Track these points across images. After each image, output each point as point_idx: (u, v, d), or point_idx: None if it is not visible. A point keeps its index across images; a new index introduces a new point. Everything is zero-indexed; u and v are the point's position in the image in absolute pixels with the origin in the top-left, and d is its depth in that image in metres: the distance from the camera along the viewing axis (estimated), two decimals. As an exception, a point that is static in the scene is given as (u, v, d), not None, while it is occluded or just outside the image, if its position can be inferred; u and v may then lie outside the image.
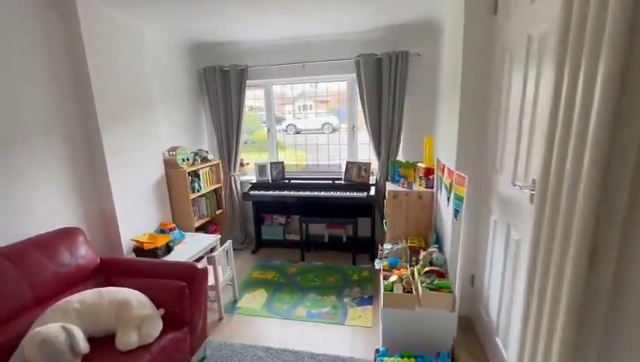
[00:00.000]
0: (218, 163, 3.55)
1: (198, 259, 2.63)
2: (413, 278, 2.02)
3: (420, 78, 3.14)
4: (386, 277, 2.03)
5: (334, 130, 4.18)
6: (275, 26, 2.87)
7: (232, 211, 3.74)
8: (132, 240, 2.42)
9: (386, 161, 3.23)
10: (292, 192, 3.37)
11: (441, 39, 2.76)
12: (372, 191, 3.22)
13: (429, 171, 2.62)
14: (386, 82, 3.08)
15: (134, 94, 2.56)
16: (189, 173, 3.03)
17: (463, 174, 1.67)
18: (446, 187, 2.05)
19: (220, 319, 2.45)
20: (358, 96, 3.27)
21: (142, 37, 2.63)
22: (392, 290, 1.88)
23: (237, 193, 3.71)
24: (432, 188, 2.60)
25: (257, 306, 2.61)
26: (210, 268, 2.37)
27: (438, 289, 1.84)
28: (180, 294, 1.78)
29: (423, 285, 1.88)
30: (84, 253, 1.94)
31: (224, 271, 2.55)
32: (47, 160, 2.02)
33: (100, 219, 2.39)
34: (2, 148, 1.78)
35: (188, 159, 3.11)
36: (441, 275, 1.98)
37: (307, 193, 3.32)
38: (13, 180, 1.83)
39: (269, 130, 3.84)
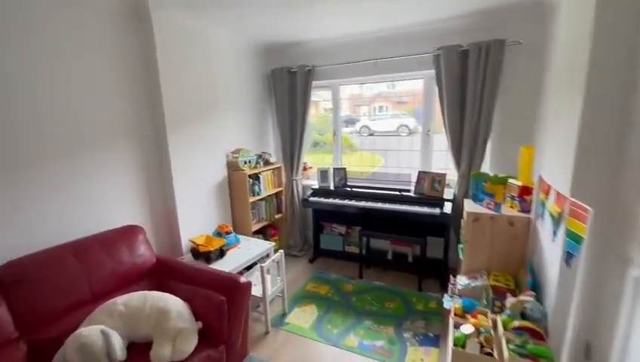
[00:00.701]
0: (280, 166, 3.48)
1: (250, 266, 2.56)
2: (496, 331, 1.55)
3: (517, 72, 2.52)
4: (457, 325, 1.60)
5: (411, 132, 3.77)
6: (345, 21, 2.65)
7: (292, 216, 3.64)
8: (190, 240, 2.47)
9: (467, 173, 2.70)
10: (353, 202, 3.09)
11: (552, 20, 2.15)
12: (447, 208, 2.72)
13: (525, 191, 2.05)
14: (472, 78, 2.56)
15: (201, 97, 2.61)
16: (249, 175, 3.01)
17: (583, 205, 1.17)
18: (552, 217, 1.52)
19: (266, 333, 2.32)
20: (437, 95, 2.81)
21: (211, 41, 2.67)
22: (464, 346, 1.46)
23: (298, 198, 3.59)
24: (529, 213, 2.02)
25: (306, 325, 2.41)
26: (260, 278, 2.25)
27: (533, 356, 1.36)
28: (219, 309, 1.68)
29: (511, 347, 1.41)
30: (142, 252, 2.00)
31: (274, 282, 2.41)
32: (120, 160, 2.15)
33: (164, 218, 2.48)
34: (83, 148, 1.93)
35: (250, 162, 3.09)
36: (538, 336, 1.47)
37: (370, 204, 2.99)
38: (91, 178, 1.98)
39: (334, 133, 3.62)
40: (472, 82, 2.56)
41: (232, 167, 2.98)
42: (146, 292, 1.71)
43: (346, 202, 3.11)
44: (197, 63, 2.55)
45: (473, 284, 1.92)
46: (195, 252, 2.40)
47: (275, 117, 3.63)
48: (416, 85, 3.22)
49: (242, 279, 1.81)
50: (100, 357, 1.36)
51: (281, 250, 2.48)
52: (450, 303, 1.82)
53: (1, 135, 1.58)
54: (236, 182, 2.99)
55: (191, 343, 1.55)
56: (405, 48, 2.89)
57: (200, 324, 1.66)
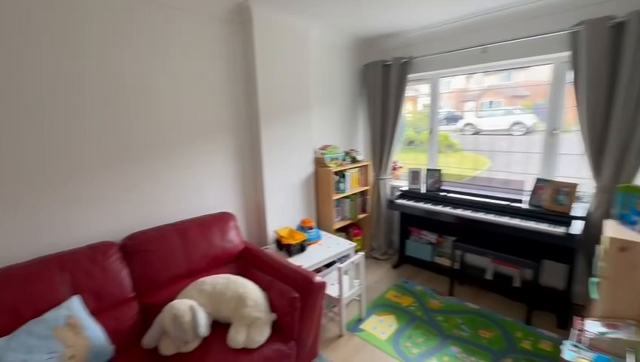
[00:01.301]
0: (367, 164, 3.34)
1: (329, 265, 2.53)
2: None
3: None
4: (582, 387, 1.20)
5: (528, 131, 3.14)
6: (450, 3, 2.32)
7: (377, 218, 3.46)
8: (275, 231, 2.58)
9: (611, 185, 2.05)
10: (448, 209, 2.72)
11: None
12: (575, 228, 2.13)
13: None
14: (629, 59, 1.92)
15: (294, 93, 2.68)
16: (335, 172, 2.97)
17: None
18: None
19: (340, 336, 2.24)
20: (570, 85, 2.22)
21: (305, 37, 2.71)
22: (592, 420, 1.08)
23: (384, 199, 3.39)
24: None
25: (382, 336, 2.24)
26: (337, 278, 2.19)
27: None
28: (292, 305, 1.67)
29: None
30: (232, 238, 2.17)
31: (351, 284, 2.32)
32: (219, 152, 2.37)
33: (254, 208, 2.66)
34: (190, 140, 2.19)
35: (337, 158, 3.05)
36: None
37: (469, 213, 2.59)
38: (194, 167, 2.24)
39: (430, 130, 3.28)
40: (629, 64, 1.92)
41: (319, 163, 2.99)
42: (229, 275, 1.83)
43: (439, 208, 2.76)
44: (291, 60, 2.62)
45: (612, 336, 1.42)
46: (279, 243, 2.49)
47: (365, 113, 3.50)
48: (540, 74, 2.62)
49: (316, 278, 1.76)
50: (188, 330, 1.51)
51: (362, 253, 2.36)
52: (573, 354, 1.39)
53: (124, 129, 1.91)
54: (322, 178, 3.00)
55: (263, 333, 1.59)
56: (527, 28, 2.37)
57: (274, 316, 1.69)
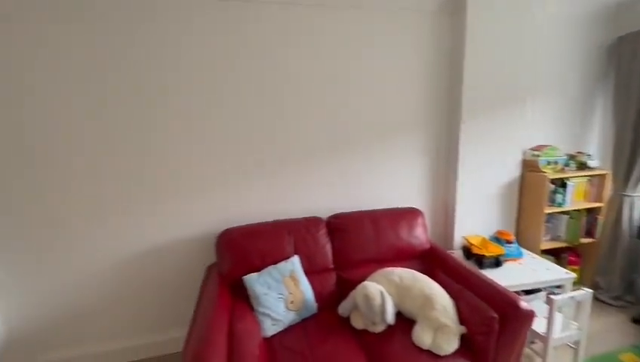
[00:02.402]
0: (605, 174, 2.48)
1: (530, 292, 2.08)
2: None
3: None
4: None
5: None
6: None
7: (611, 247, 2.54)
8: (463, 237, 2.35)
9: None
10: None
11: None
12: None
13: None
14: None
15: (505, 83, 2.31)
16: (552, 180, 2.38)
17: None
18: None
19: (540, 382, 1.82)
20: None
21: (526, 15, 2.25)
22: None
23: (629, 224, 2.43)
24: None
25: (612, 409, 1.64)
26: (543, 310, 1.77)
27: None
28: (488, 325, 1.47)
29: None
30: (418, 235, 2.14)
31: (565, 326, 1.81)
32: (413, 149, 2.38)
33: (442, 208, 2.52)
34: (386, 136, 2.30)
35: (556, 162, 2.43)
36: None
37: None
38: (387, 161, 2.34)
39: None
40: None
41: (529, 166, 2.47)
42: (414, 272, 1.82)
43: None
44: (505, 45, 2.25)
45: None
46: (467, 251, 2.26)
47: (609, 104, 2.60)
48: None
49: (524, 304, 1.47)
50: (377, 313, 1.61)
51: (589, 290, 1.79)
52: None
53: (340, 126, 2.20)
54: (531, 186, 2.47)
55: (451, 344, 1.48)
56: None
57: (464, 329, 1.55)
